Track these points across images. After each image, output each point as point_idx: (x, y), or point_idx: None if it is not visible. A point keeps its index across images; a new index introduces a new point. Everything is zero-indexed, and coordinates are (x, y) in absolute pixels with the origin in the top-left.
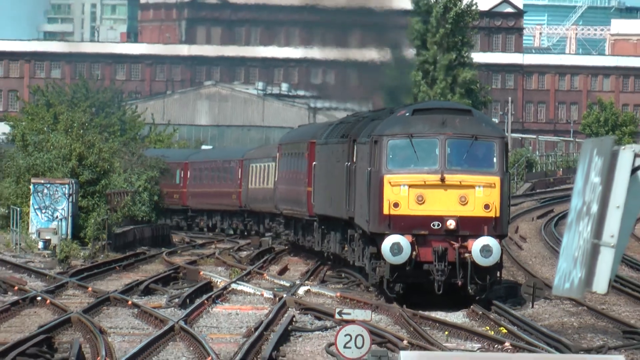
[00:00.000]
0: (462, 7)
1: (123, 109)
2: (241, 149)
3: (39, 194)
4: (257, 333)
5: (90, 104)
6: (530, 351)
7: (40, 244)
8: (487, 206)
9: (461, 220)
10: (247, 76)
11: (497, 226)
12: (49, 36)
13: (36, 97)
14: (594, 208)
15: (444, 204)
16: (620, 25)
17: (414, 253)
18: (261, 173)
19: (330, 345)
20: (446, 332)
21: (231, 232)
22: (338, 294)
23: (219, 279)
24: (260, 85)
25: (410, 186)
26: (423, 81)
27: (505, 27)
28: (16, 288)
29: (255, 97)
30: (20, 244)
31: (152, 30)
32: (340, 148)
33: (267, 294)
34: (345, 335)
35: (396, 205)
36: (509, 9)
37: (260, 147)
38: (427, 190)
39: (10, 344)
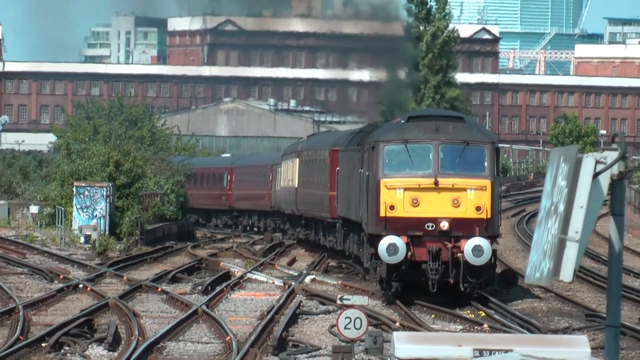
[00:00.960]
0: (447, 34)
1: (153, 122)
2: (273, 154)
3: (80, 195)
4: (269, 316)
5: (124, 118)
6: (505, 332)
7: (82, 239)
8: (478, 208)
9: (454, 222)
10: (260, 93)
11: (488, 227)
12: (89, 59)
13: (78, 111)
14: (561, 208)
15: (438, 206)
16: (583, 50)
17: (409, 253)
18: (285, 175)
19: (332, 326)
20: (432, 315)
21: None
22: (339, 282)
23: (236, 269)
24: (271, 101)
25: (405, 189)
26: (413, 97)
27: (484, 51)
28: (61, 277)
29: (268, 112)
30: (64, 239)
31: (178, 54)
32: (355, 155)
33: (278, 282)
34: (346, 318)
35: (392, 207)
36: (487, 36)
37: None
38: (421, 193)
39: (55, 325)
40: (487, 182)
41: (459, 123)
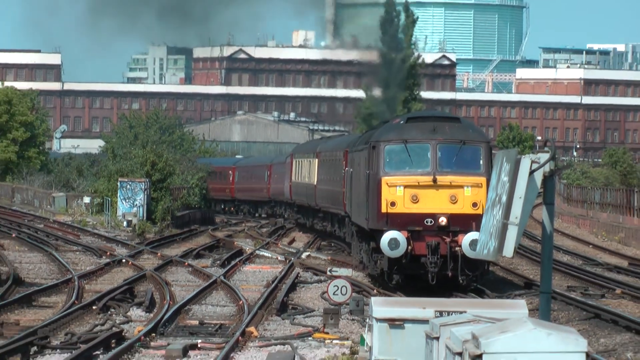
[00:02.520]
0: (413, 60)
1: (181, 130)
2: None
3: (123, 188)
4: (273, 284)
5: (158, 127)
6: (461, 297)
7: (125, 223)
8: (474, 204)
9: (452, 217)
10: (266, 108)
11: None
12: (131, 80)
13: (122, 122)
14: (504, 198)
15: (436, 203)
16: (522, 73)
17: (410, 247)
18: (301, 172)
19: (323, 293)
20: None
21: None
22: (329, 258)
23: (247, 247)
24: (275, 114)
25: (405, 187)
26: (387, 110)
27: (443, 74)
28: (108, 253)
29: (272, 122)
30: (110, 223)
31: (201, 76)
32: (359, 155)
33: (280, 258)
34: (334, 286)
35: (393, 204)
36: (446, 62)
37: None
38: (420, 190)
39: (103, 292)
40: (482, 180)
41: (455, 123)
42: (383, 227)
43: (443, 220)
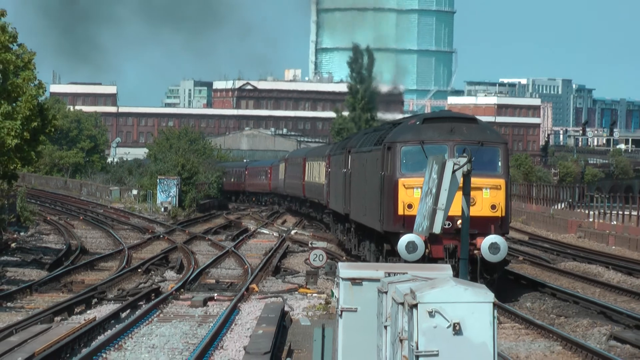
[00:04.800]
0: (372, 90)
1: (204, 142)
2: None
3: (161, 184)
4: (270, 253)
5: (187, 139)
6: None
7: (162, 209)
8: (493, 206)
9: (470, 220)
10: (266, 125)
11: (502, 225)
12: (167, 105)
13: (161, 135)
14: (434, 190)
15: (454, 205)
16: (452, 100)
17: (427, 250)
18: (313, 173)
19: (306, 259)
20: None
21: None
22: (311, 234)
23: (252, 226)
24: (272, 129)
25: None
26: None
27: (394, 100)
28: (150, 231)
29: (270, 136)
30: (151, 209)
31: (218, 102)
32: (339, 158)
33: (275, 234)
34: (314, 255)
35: (410, 206)
36: (397, 92)
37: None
38: None
39: (146, 259)
40: (501, 182)
41: (472, 124)
42: (399, 229)
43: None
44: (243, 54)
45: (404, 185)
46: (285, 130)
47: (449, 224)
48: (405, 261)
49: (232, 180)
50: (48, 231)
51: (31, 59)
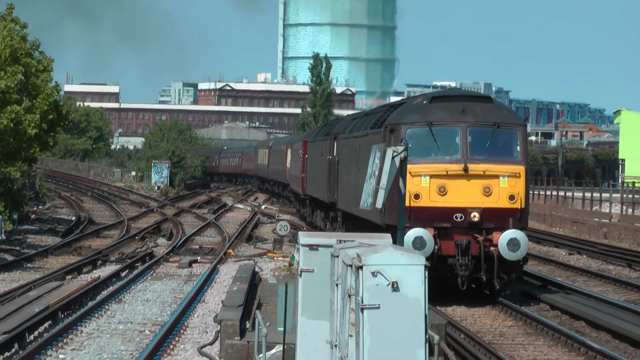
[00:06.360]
0: (328, 91)
1: (190, 133)
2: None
3: (155, 167)
4: (244, 224)
5: (177, 130)
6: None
7: (156, 188)
8: (512, 197)
9: (485, 212)
10: (242, 119)
11: (522, 218)
12: (161, 102)
13: (155, 127)
14: (377, 172)
15: (467, 195)
16: (393, 99)
17: (436, 247)
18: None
19: (273, 229)
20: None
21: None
22: (278, 208)
23: (229, 202)
24: (247, 123)
25: (431, 176)
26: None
27: (347, 99)
28: (145, 205)
29: (246, 128)
30: (147, 188)
31: (203, 100)
32: (322, 144)
33: (248, 208)
34: (280, 225)
35: (417, 196)
36: (349, 92)
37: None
38: (449, 180)
39: (142, 228)
40: (520, 169)
41: (487, 104)
42: (405, 223)
43: (475, 216)
44: (223, 60)
45: (410, 173)
46: (257, 124)
47: (461, 217)
48: None
49: (213, 164)
50: (62, 205)
51: (50, 63)
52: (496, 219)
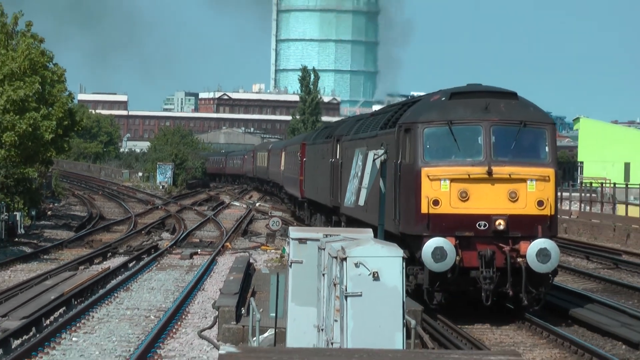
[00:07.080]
0: (316, 100)
1: (192, 137)
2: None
3: (160, 168)
4: (240, 220)
5: (179, 135)
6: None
7: (160, 187)
8: (540, 202)
9: (511, 220)
10: (238, 125)
11: (552, 226)
12: (165, 110)
13: (160, 132)
14: (359, 173)
15: (492, 201)
16: (375, 107)
17: (458, 258)
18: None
19: (267, 225)
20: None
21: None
22: (271, 206)
23: (227, 200)
24: (243, 129)
25: (452, 180)
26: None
27: (333, 107)
28: (151, 203)
29: (242, 133)
30: (153, 187)
31: (203, 108)
32: (322, 147)
33: (244, 206)
34: (272, 220)
35: (436, 202)
36: (334, 101)
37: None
38: (471, 185)
39: (148, 224)
40: (550, 172)
41: (511, 100)
42: (423, 231)
43: (500, 223)
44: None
45: (428, 177)
46: (252, 129)
47: (485, 225)
48: (432, 273)
49: (218, 166)
50: (75, 203)
51: (63, 73)
52: (523, 227)
